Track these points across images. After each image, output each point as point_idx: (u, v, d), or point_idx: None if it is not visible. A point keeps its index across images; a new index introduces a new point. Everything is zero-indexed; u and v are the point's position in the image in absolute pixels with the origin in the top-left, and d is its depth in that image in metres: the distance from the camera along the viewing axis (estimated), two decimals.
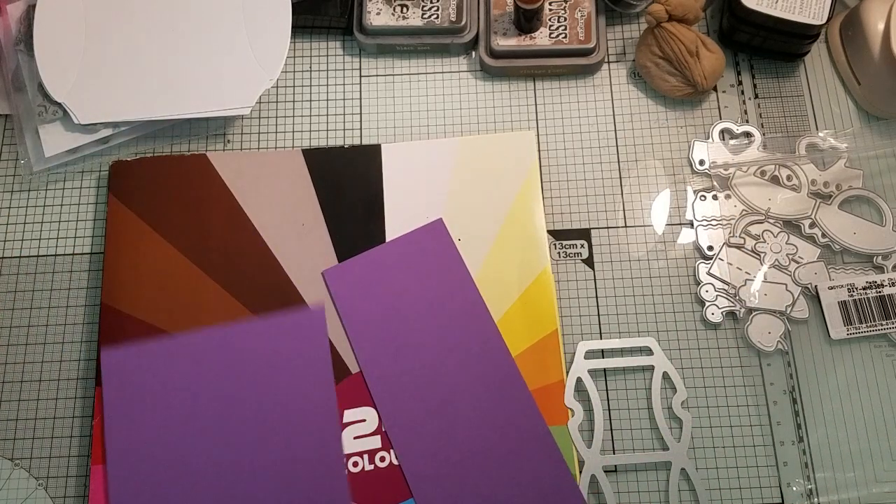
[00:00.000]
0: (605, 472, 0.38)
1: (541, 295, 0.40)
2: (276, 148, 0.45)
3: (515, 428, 0.38)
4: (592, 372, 0.39)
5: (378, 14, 0.46)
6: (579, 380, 0.39)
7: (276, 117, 0.46)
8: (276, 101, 0.46)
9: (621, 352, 0.40)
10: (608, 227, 0.43)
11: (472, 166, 0.43)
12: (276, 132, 0.46)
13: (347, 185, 0.43)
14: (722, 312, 0.41)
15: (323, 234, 0.42)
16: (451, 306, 0.40)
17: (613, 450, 0.39)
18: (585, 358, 0.40)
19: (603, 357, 0.40)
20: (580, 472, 0.38)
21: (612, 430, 0.39)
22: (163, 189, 0.42)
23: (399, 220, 0.42)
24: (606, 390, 0.40)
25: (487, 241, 0.41)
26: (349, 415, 0.39)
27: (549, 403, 0.38)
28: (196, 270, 0.41)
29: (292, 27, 0.44)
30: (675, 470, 0.38)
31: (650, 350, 0.40)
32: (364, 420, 0.39)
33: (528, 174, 0.42)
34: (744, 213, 0.43)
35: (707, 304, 0.41)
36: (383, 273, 0.40)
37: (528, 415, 0.38)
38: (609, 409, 0.39)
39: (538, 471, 0.37)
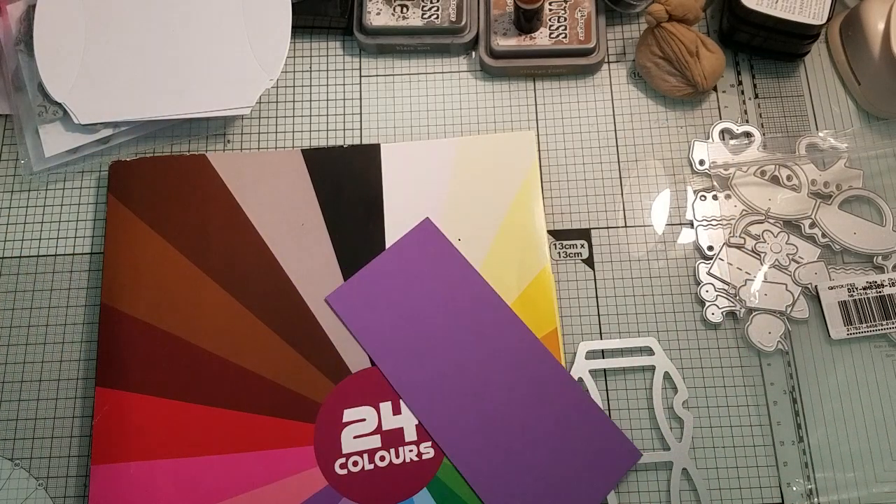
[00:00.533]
0: None
1: (540, 294, 0.40)
2: (276, 148, 0.45)
3: (543, 384, 0.38)
4: (593, 372, 0.39)
5: (378, 14, 0.46)
6: (580, 380, 0.39)
7: (277, 117, 0.46)
8: (277, 101, 0.46)
9: (622, 352, 0.40)
10: (608, 227, 0.43)
11: (471, 166, 0.43)
12: (277, 132, 0.46)
13: (347, 184, 0.43)
14: (722, 312, 0.41)
15: (322, 234, 0.42)
16: (458, 296, 0.40)
17: None
18: (586, 358, 0.40)
19: (604, 357, 0.40)
20: None
21: None
22: (162, 189, 0.42)
23: (398, 219, 0.42)
24: (607, 390, 0.40)
25: (487, 240, 0.41)
26: (349, 414, 0.39)
27: None
28: (195, 270, 0.41)
29: (292, 27, 0.44)
30: (677, 470, 0.38)
31: (651, 350, 0.40)
32: (364, 419, 0.39)
33: (528, 174, 0.42)
34: (744, 213, 0.43)
35: (707, 304, 0.41)
36: (384, 283, 0.40)
37: (550, 366, 0.38)
38: (610, 410, 0.39)
39: (568, 413, 0.38)
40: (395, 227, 0.42)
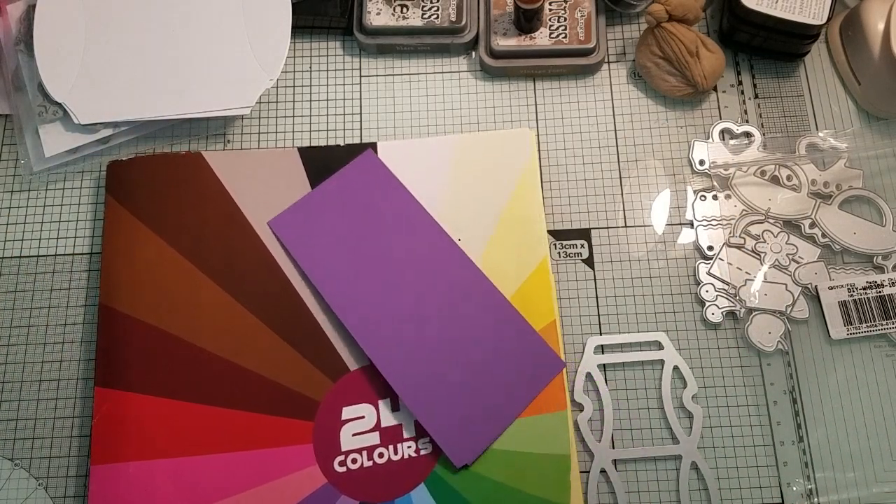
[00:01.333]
0: (614, 465, 0.38)
1: (539, 287, 0.40)
2: (276, 148, 0.45)
3: (480, 308, 0.39)
4: (602, 366, 0.40)
5: (378, 14, 0.46)
6: (588, 374, 0.39)
7: (276, 117, 0.46)
8: (276, 101, 0.46)
9: (630, 346, 0.40)
10: (608, 227, 0.43)
11: (469, 163, 0.43)
12: (276, 132, 0.46)
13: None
14: (722, 312, 0.41)
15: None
16: (399, 224, 0.41)
17: (623, 444, 0.39)
18: (594, 353, 0.40)
19: (604, 352, 0.40)
20: (591, 466, 0.38)
21: (622, 426, 0.39)
22: (159, 188, 0.42)
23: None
24: (616, 384, 0.40)
25: (486, 235, 0.41)
26: (347, 412, 0.39)
27: (547, 393, 0.38)
28: (193, 269, 0.41)
29: (292, 27, 0.44)
30: (686, 463, 0.38)
31: (660, 344, 0.40)
32: (363, 417, 0.39)
33: (527, 169, 0.42)
34: (744, 213, 0.43)
35: (707, 304, 0.41)
36: (328, 212, 0.41)
37: (483, 287, 0.40)
38: (618, 404, 0.39)
39: (508, 339, 0.39)
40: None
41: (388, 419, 0.38)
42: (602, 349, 0.40)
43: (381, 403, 0.39)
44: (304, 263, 0.40)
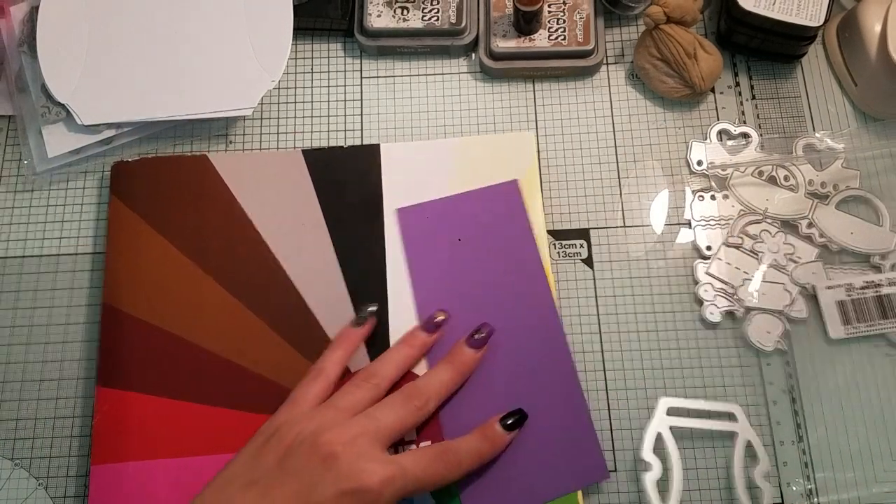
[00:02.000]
0: None
1: None
2: (277, 148, 0.45)
3: (548, 375, 0.39)
4: (673, 429, 0.38)
5: (379, 16, 0.46)
6: (659, 435, 0.38)
7: (278, 118, 0.46)
8: (278, 102, 0.46)
9: (701, 413, 0.39)
10: (607, 227, 0.43)
11: (471, 166, 0.43)
12: (278, 133, 0.46)
13: (347, 184, 0.43)
14: (721, 312, 0.41)
15: (322, 234, 0.42)
16: (509, 263, 0.40)
17: None
18: (668, 414, 0.38)
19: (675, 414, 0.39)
20: None
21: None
22: (164, 189, 0.43)
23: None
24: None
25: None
26: None
27: None
28: (196, 270, 0.41)
29: (294, 29, 0.45)
30: None
31: (734, 416, 0.38)
32: None
33: (527, 174, 0.43)
34: (741, 213, 0.43)
35: (706, 303, 0.41)
36: (452, 219, 0.41)
37: (559, 355, 0.39)
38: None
39: (562, 417, 0.38)
40: (395, 226, 0.42)
41: None
42: (676, 411, 0.38)
43: None
44: (411, 259, 0.41)
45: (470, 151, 0.43)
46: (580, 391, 0.38)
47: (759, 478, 0.37)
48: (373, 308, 0.40)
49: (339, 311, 0.40)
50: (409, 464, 0.33)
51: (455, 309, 0.40)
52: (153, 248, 0.41)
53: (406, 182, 0.43)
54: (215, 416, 0.39)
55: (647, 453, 0.37)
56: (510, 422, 0.37)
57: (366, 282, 0.41)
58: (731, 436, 0.38)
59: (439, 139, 0.45)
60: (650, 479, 0.37)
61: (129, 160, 0.44)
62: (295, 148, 0.45)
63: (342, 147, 0.44)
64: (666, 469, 0.37)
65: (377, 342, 0.40)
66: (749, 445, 0.38)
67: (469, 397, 0.38)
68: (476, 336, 0.38)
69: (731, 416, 0.38)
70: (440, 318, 0.39)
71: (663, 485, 0.37)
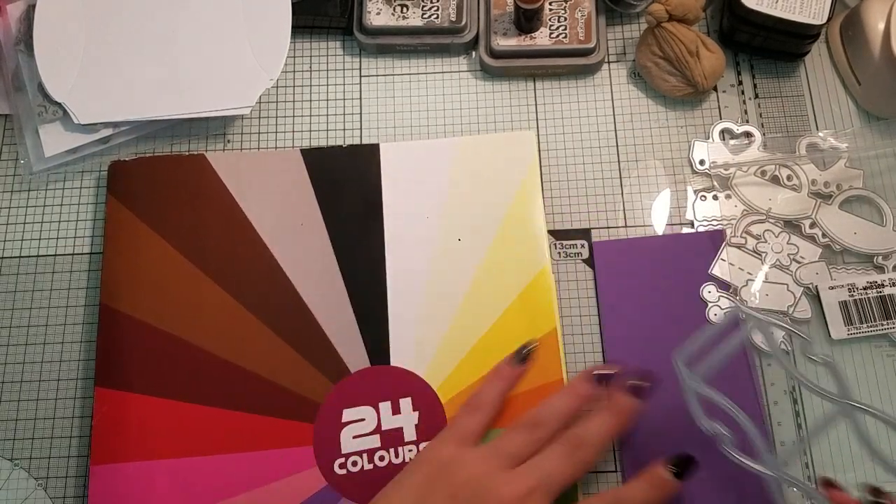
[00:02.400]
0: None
1: (540, 294, 0.40)
2: (276, 148, 0.45)
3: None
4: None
5: (378, 14, 0.46)
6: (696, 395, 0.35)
7: (276, 117, 0.46)
8: (276, 101, 0.46)
9: None
10: (608, 227, 0.43)
11: (471, 166, 0.43)
12: (276, 132, 0.46)
13: (346, 184, 0.42)
14: (725, 313, 0.41)
15: (321, 234, 0.42)
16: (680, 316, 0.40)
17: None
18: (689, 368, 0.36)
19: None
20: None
21: None
22: (161, 189, 0.42)
23: (398, 219, 0.42)
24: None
25: (486, 240, 0.41)
26: (348, 414, 0.38)
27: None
28: (195, 270, 0.41)
29: (292, 27, 0.44)
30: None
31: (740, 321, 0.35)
32: (363, 419, 0.38)
33: (528, 173, 0.42)
34: (744, 212, 0.43)
35: (710, 304, 0.41)
36: (644, 260, 0.41)
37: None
38: None
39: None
40: (395, 226, 0.42)
41: (389, 422, 0.38)
42: None
43: (381, 406, 0.39)
44: (602, 295, 0.41)
45: (470, 151, 0.43)
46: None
47: (819, 354, 0.35)
48: (534, 346, 0.39)
49: (338, 311, 0.40)
50: None
51: (638, 348, 0.39)
52: (151, 248, 0.41)
53: (406, 182, 0.42)
54: (214, 416, 0.38)
55: (705, 422, 0.34)
56: (679, 469, 0.34)
57: (365, 282, 0.41)
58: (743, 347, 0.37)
59: (439, 138, 0.44)
60: (728, 443, 0.34)
61: (126, 160, 0.43)
62: (293, 147, 0.45)
63: (341, 146, 0.44)
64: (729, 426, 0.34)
65: (376, 345, 0.40)
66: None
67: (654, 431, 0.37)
68: (636, 384, 0.36)
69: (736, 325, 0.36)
70: (610, 371, 0.37)
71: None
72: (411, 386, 0.39)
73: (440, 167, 0.43)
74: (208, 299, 0.40)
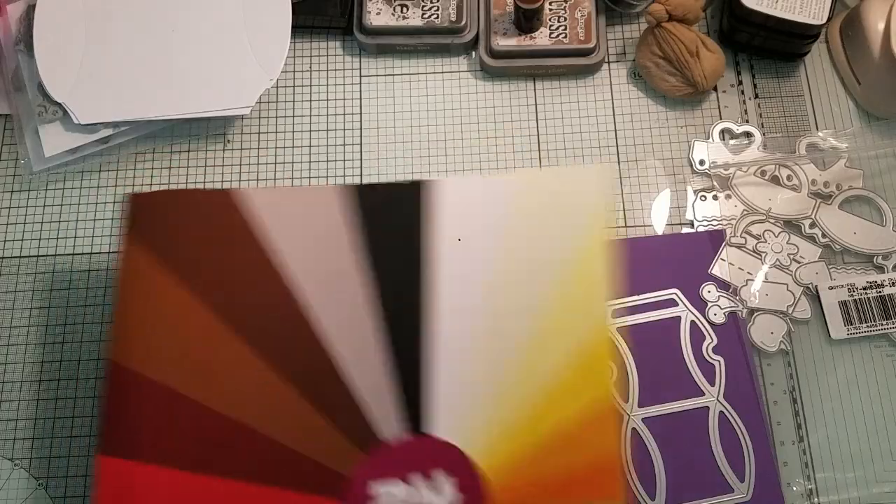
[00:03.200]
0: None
1: (595, 362, 0.35)
2: (275, 148, 0.45)
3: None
4: (621, 329, 0.39)
5: (378, 14, 0.46)
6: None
7: (276, 117, 0.46)
8: (276, 101, 0.46)
9: (646, 307, 0.40)
10: (608, 227, 0.43)
11: (530, 207, 0.37)
12: (276, 132, 0.46)
13: (387, 227, 0.37)
14: (724, 313, 0.41)
15: (357, 282, 0.36)
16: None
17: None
18: (612, 317, 0.39)
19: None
20: (624, 427, 0.37)
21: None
22: (184, 227, 0.37)
23: (444, 269, 0.36)
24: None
25: (543, 291, 0.36)
26: (378, 489, 0.34)
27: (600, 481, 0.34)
28: (219, 324, 0.36)
29: (292, 27, 0.44)
30: (714, 412, 0.38)
31: (675, 301, 0.40)
32: (400, 496, 0.33)
33: (596, 219, 0.36)
34: (744, 212, 0.43)
35: (709, 304, 0.41)
36: (640, 262, 0.40)
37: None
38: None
39: None
40: (441, 278, 0.36)
41: (428, 500, 0.33)
42: (620, 311, 0.39)
43: (418, 482, 0.33)
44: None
45: (530, 188, 0.37)
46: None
47: (709, 352, 0.38)
48: None
49: (375, 375, 0.35)
50: None
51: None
52: (170, 297, 0.36)
53: (455, 225, 0.36)
54: (235, 491, 0.34)
55: None
56: None
57: (403, 337, 0.35)
58: (677, 320, 0.39)
59: (494, 173, 0.41)
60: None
61: (148, 192, 0.38)
62: (293, 147, 0.44)
63: (383, 184, 0.40)
64: (624, 371, 0.38)
65: (413, 410, 0.35)
66: (695, 325, 0.39)
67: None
68: None
69: (673, 303, 0.40)
70: None
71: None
72: (453, 461, 0.34)
73: (493, 208, 0.37)
74: (228, 355, 0.35)
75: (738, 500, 0.37)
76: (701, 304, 0.40)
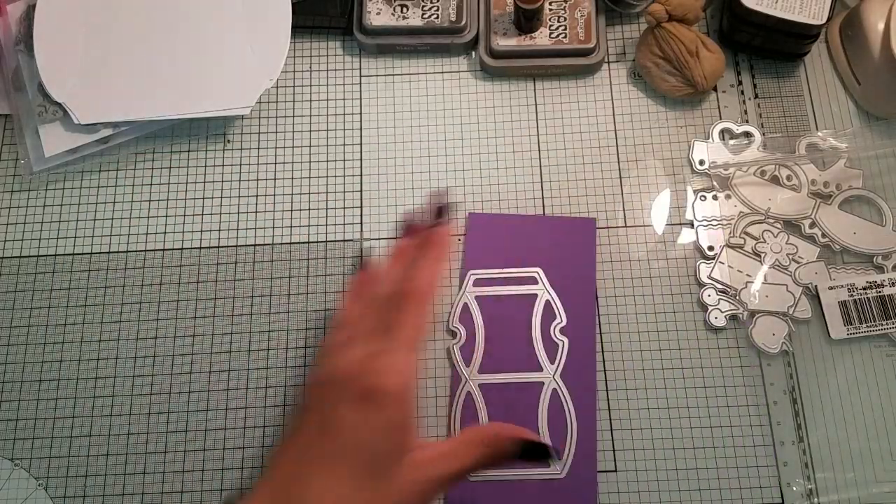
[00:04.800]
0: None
1: None
2: (275, 148, 0.45)
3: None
4: (479, 298, 0.41)
5: (378, 14, 0.46)
6: (465, 305, 0.41)
7: (277, 117, 0.46)
8: (276, 101, 0.46)
9: (507, 280, 0.41)
10: (608, 227, 0.43)
11: None
12: (277, 132, 0.46)
13: None
14: (725, 316, 0.41)
15: None
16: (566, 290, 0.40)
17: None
18: (474, 285, 0.41)
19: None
20: (459, 388, 0.39)
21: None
22: None
23: None
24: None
25: None
26: None
27: None
28: None
29: (292, 27, 0.44)
30: (548, 389, 0.39)
31: (536, 279, 0.41)
32: None
33: None
34: (741, 214, 0.43)
35: (710, 308, 0.41)
36: (518, 238, 0.41)
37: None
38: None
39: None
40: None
41: None
42: (481, 281, 0.41)
43: None
44: (468, 258, 0.41)
45: None
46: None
47: (557, 332, 0.40)
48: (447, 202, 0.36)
49: None
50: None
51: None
52: None
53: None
54: None
55: (454, 322, 0.40)
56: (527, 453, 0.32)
57: None
58: (534, 298, 0.40)
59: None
60: (455, 345, 0.40)
61: None
62: (293, 147, 0.45)
63: None
64: (473, 336, 0.40)
65: None
66: (549, 305, 0.40)
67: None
68: (437, 205, 0.36)
69: (534, 280, 0.41)
70: (409, 228, 0.37)
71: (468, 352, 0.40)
72: None
73: None
74: None
75: (553, 476, 0.38)
76: (561, 286, 0.41)
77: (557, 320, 0.40)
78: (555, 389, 0.39)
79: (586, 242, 0.42)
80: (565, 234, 0.42)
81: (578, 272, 0.41)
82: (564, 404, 0.38)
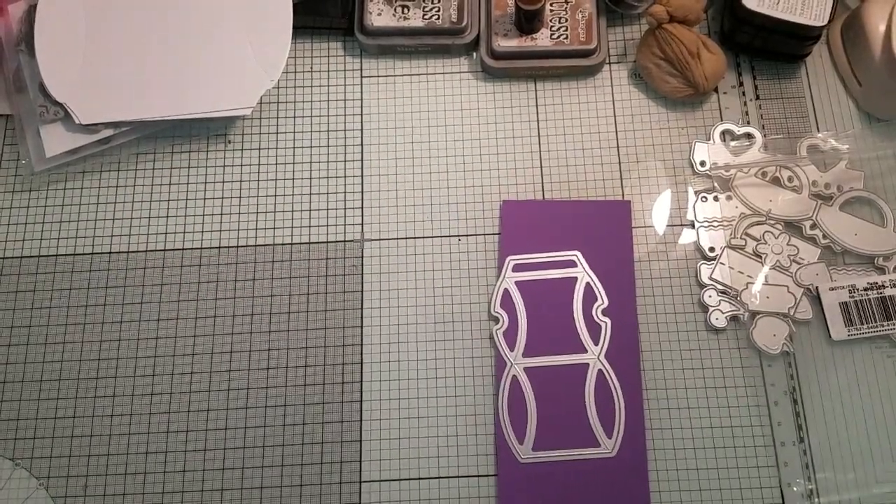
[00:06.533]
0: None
1: None
2: (276, 148, 0.45)
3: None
4: (519, 283, 0.41)
5: (379, 15, 0.46)
6: (506, 290, 0.41)
7: (277, 118, 0.46)
8: (277, 102, 0.46)
9: (546, 264, 0.41)
10: None
11: None
12: (277, 132, 0.46)
13: None
14: (726, 317, 0.41)
15: None
16: (605, 279, 0.41)
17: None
18: (514, 270, 0.41)
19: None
20: (505, 373, 0.39)
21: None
22: None
23: None
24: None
25: None
26: None
27: None
28: None
29: (293, 28, 0.44)
30: (593, 370, 0.39)
31: (575, 262, 0.41)
32: None
33: None
34: (744, 214, 0.43)
35: (711, 309, 0.41)
36: (554, 223, 0.41)
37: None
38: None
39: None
40: None
41: None
42: (521, 266, 0.41)
43: None
44: (504, 245, 0.41)
45: None
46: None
47: (599, 313, 0.40)
48: None
49: None
50: None
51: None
52: None
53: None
54: None
55: (496, 307, 0.41)
56: None
57: None
58: (573, 280, 0.40)
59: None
60: (498, 330, 0.40)
61: None
62: (293, 147, 0.45)
63: None
64: (515, 320, 0.40)
65: None
66: (589, 287, 0.40)
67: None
68: None
69: (573, 263, 0.41)
70: None
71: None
72: None
73: None
74: None
75: (603, 455, 0.38)
76: (599, 268, 0.41)
77: (599, 301, 0.40)
78: (600, 370, 0.39)
79: (621, 224, 0.42)
80: (600, 216, 0.42)
81: (616, 254, 0.41)
82: (611, 384, 0.39)
